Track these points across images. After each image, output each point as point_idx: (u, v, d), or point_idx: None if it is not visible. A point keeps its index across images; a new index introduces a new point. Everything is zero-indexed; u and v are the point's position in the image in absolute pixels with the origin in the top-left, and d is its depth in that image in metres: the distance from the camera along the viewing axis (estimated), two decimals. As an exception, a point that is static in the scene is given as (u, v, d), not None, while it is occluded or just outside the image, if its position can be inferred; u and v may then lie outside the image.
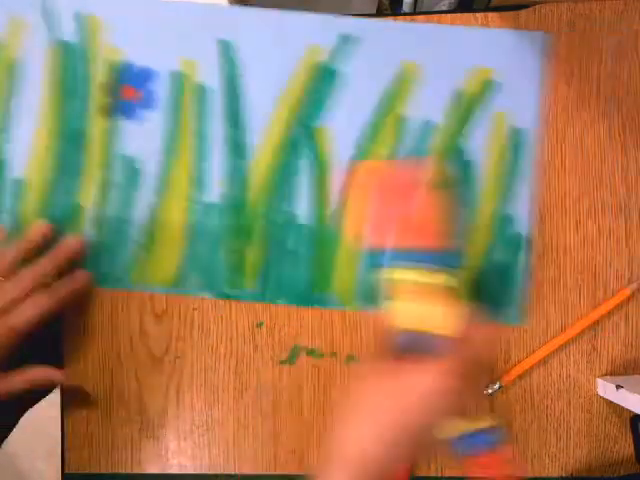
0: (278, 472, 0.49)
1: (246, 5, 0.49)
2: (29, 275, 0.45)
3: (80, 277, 0.48)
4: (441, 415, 0.35)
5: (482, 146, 0.48)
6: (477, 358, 0.35)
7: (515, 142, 0.48)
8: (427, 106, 0.48)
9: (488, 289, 0.48)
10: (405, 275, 0.36)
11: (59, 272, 0.47)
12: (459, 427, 0.38)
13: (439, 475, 0.48)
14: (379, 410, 0.35)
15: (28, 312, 0.44)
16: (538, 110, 0.48)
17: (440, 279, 0.35)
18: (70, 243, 0.48)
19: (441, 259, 0.36)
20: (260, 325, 0.49)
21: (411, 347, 0.36)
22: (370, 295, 0.48)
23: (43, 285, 0.45)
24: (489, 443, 0.38)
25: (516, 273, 0.48)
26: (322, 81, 0.48)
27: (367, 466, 0.33)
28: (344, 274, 0.48)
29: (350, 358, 0.48)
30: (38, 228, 0.47)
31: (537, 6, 0.48)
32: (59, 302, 0.46)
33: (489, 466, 0.39)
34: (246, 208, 0.48)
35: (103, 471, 0.49)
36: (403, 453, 0.35)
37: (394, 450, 0.34)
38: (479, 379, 0.38)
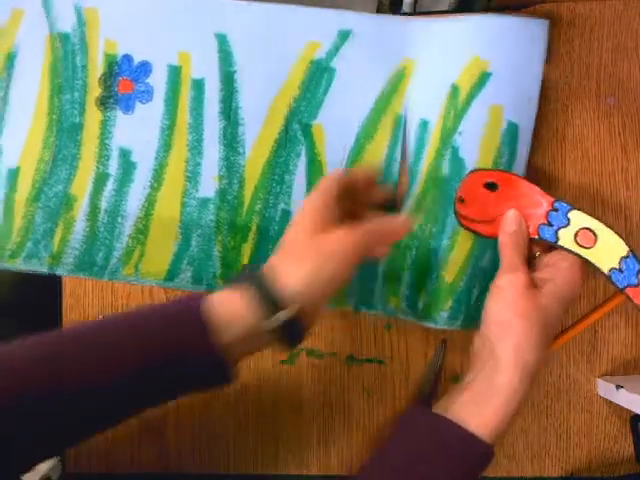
0: (278, 472, 0.49)
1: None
2: None
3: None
4: None
5: (477, 140, 0.45)
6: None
7: (511, 137, 0.45)
8: (424, 103, 0.47)
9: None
10: None
11: None
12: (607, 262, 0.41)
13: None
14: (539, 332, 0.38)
15: None
16: (537, 104, 0.46)
17: None
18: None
19: None
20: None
21: None
22: (363, 295, 0.47)
23: None
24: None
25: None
26: (319, 78, 0.48)
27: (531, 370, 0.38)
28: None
29: (350, 358, 0.48)
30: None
31: (537, 6, 0.48)
32: None
33: None
34: (241, 205, 0.48)
35: (103, 471, 0.49)
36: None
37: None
38: None
